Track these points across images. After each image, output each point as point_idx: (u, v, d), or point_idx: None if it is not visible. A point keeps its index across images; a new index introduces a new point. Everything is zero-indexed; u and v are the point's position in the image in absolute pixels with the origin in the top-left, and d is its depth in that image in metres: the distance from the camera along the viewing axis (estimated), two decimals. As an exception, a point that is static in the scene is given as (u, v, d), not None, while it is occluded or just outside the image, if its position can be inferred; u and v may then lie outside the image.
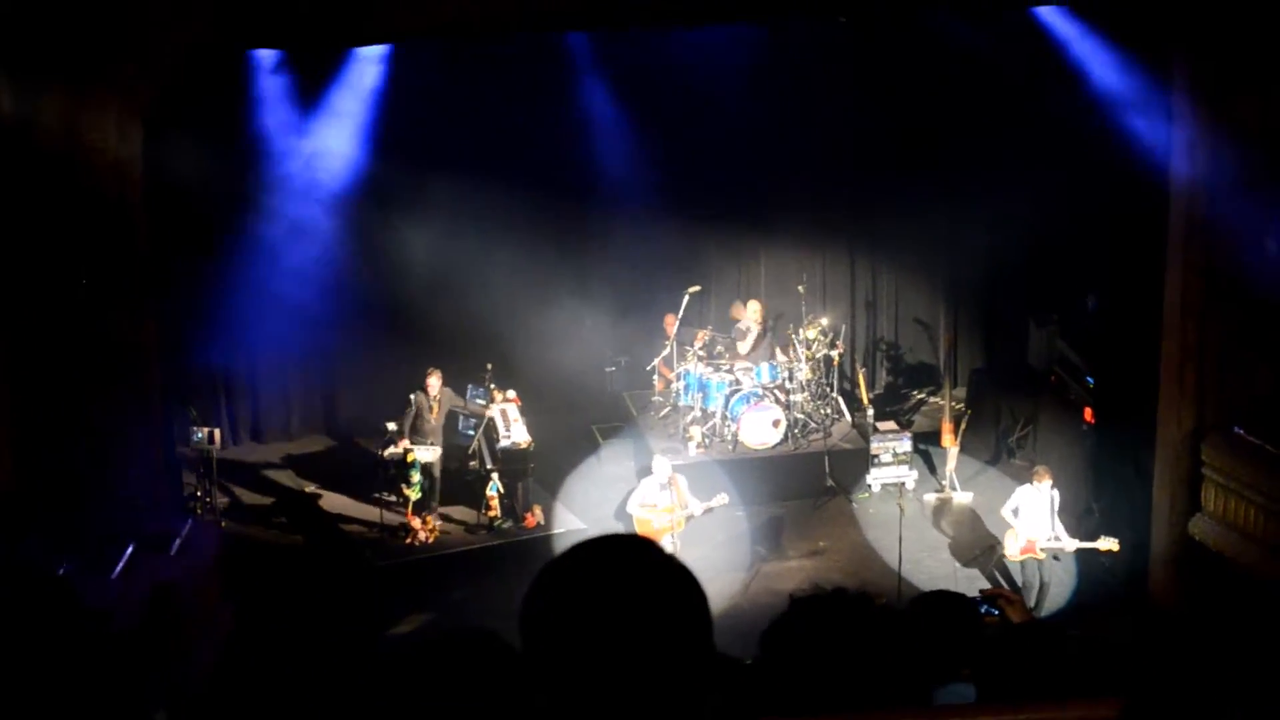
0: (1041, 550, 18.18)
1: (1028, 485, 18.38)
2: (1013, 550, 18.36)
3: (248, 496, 22.02)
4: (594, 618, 2.99)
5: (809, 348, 22.83)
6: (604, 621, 2.98)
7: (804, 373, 22.70)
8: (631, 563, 3.09)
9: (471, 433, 21.65)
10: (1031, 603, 17.99)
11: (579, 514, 21.07)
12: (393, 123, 21.79)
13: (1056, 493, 18.30)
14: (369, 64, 21.28)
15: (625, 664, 2.97)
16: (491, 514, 20.50)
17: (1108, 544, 18.10)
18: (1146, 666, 10.56)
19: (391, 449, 20.47)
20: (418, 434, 20.50)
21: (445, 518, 20.76)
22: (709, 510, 19.23)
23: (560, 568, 3.12)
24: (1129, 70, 19.77)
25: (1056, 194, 21.95)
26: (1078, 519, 18.58)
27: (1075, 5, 19.60)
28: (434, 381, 20.63)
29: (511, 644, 5.28)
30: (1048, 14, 20.35)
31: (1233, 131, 17.12)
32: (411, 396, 20.53)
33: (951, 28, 21.59)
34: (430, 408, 20.57)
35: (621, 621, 2.98)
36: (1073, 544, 18.24)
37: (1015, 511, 18.29)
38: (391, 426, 20.54)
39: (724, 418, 22.18)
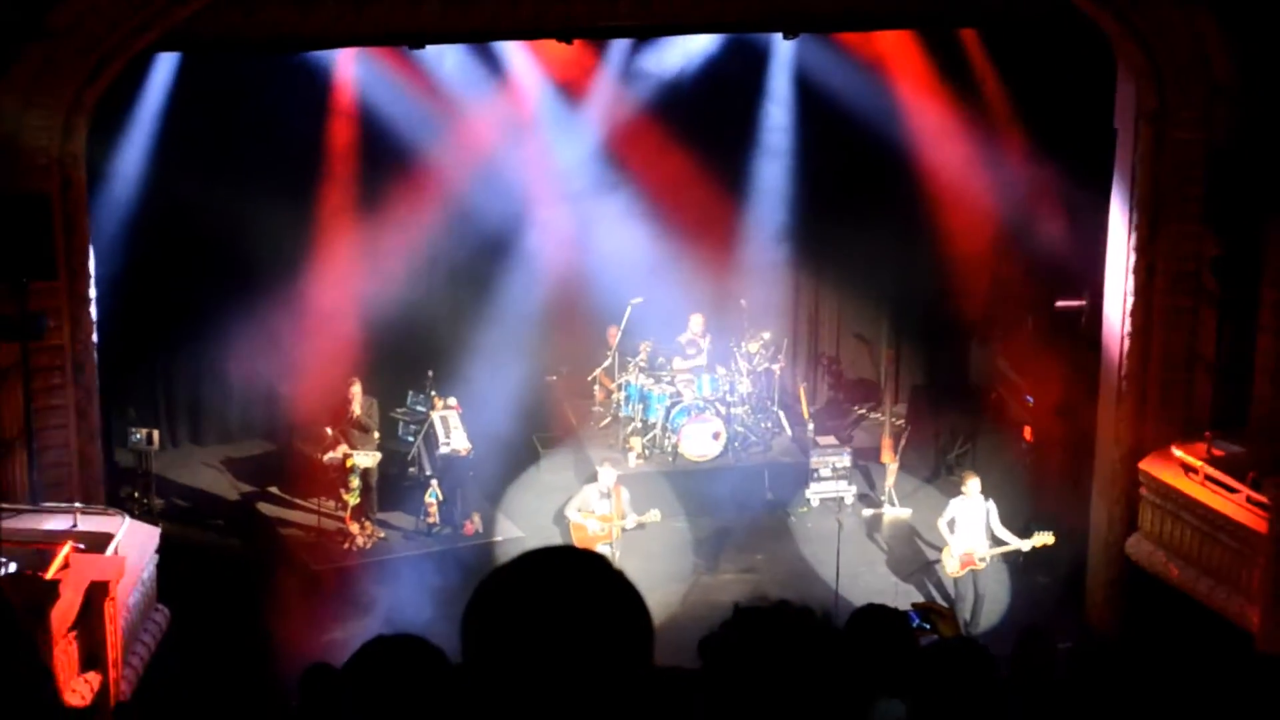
0: (980, 560, 18.32)
1: (960, 496, 18.55)
2: (952, 567, 18.48)
3: (185, 499, 21.92)
4: (536, 628, 2.99)
5: (750, 361, 22.88)
6: (546, 633, 2.99)
7: (745, 386, 22.76)
8: (577, 575, 3.10)
9: (411, 439, 21.63)
10: (966, 615, 18.11)
11: (518, 522, 21.05)
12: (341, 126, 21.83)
13: (992, 504, 18.43)
14: (332, 70, 21.41)
15: (565, 676, 2.98)
16: (430, 520, 20.47)
17: (1042, 538, 18.33)
18: (1083, 688, 10.61)
19: (330, 454, 20.42)
20: (357, 439, 20.48)
21: (384, 523, 20.72)
22: (640, 525, 19.30)
23: (505, 577, 3.12)
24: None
25: (1001, 210, 22.11)
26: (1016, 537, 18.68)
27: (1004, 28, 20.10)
28: (355, 390, 20.65)
29: (442, 650, 5.29)
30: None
31: (1173, 152, 17.33)
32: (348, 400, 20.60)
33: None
34: (354, 414, 20.58)
35: (563, 633, 2.99)
36: (1012, 544, 18.40)
37: (951, 524, 18.43)
38: (330, 431, 20.51)
39: (664, 429, 22.20)
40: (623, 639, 3.05)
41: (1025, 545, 18.47)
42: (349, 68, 21.69)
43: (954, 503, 18.67)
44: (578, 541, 19.07)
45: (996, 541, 18.45)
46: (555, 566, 3.13)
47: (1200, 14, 16.87)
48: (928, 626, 7.14)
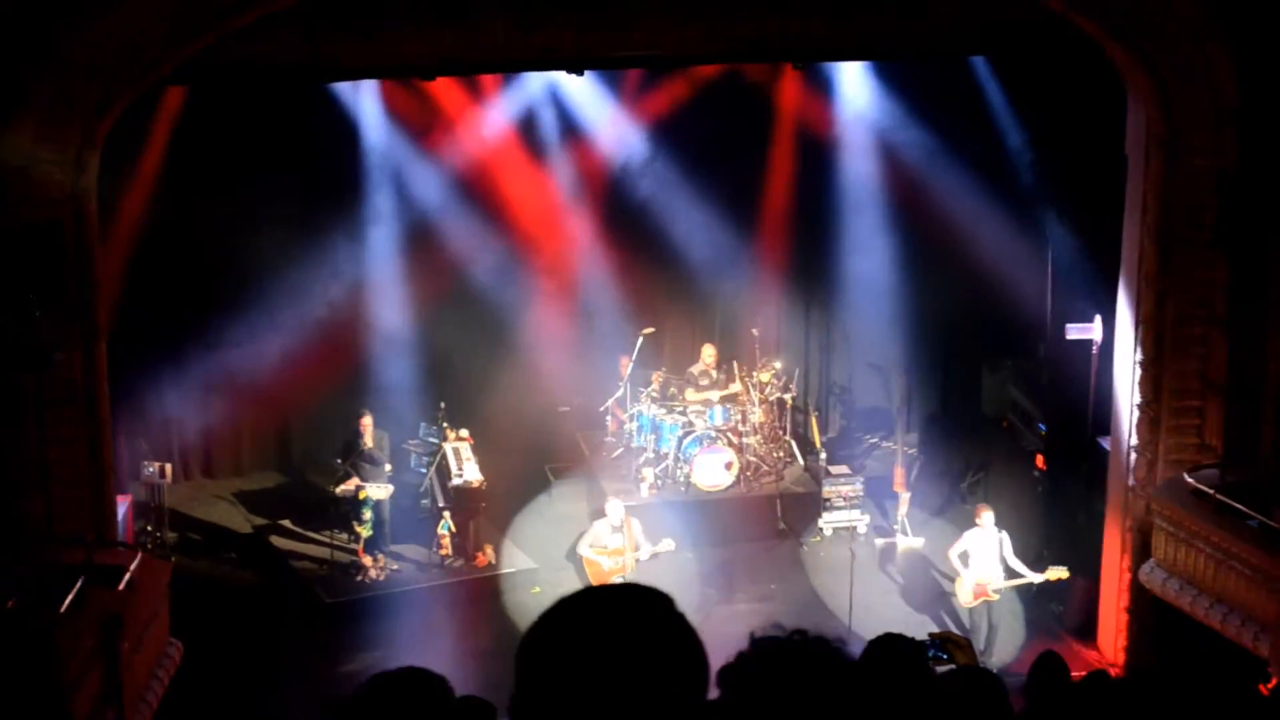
0: (994, 592, 18.31)
1: (974, 528, 18.56)
2: (965, 597, 18.46)
3: (198, 532, 21.91)
4: (599, 665, 2.98)
5: (763, 390, 22.87)
6: (607, 671, 2.98)
7: (757, 415, 22.74)
8: (642, 616, 3.09)
9: (424, 470, 21.62)
10: (981, 645, 18.06)
11: (530, 554, 21.03)
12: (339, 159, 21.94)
13: (1005, 535, 18.45)
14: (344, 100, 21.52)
15: (618, 712, 2.97)
16: (443, 552, 20.47)
17: (1056, 572, 18.33)
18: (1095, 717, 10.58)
19: (343, 486, 20.41)
20: (368, 471, 20.48)
21: (396, 556, 20.71)
22: (655, 555, 19.29)
23: (568, 612, 3.11)
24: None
25: (1009, 239, 22.09)
26: (1030, 567, 18.63)
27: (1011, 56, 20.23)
28: (367, 422, 20.67)
29: (448, 682, 5.28)
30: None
31: (1184, 178, 17.31)
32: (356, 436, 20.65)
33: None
34: (366, 446, 20.60)
35: (623, 673, 2.98)
36: (1026, 578, 18.40)
37: (964, 556, 18.44)
38: (342, 463, 20.51)
39: (677, 459, 22.17)
40: (681, 680, 3.04)
41: (1039, 578, 18.48)
42: (360, 97, 21.77)
43: (968, 534, 18.66)
44: (593, 578, 19.11)
45: (1011, 573, 18.45)
46: (619, 603, 3.13)
47: (1207, 39, 16.86)
48: (945, 656, 7.13)
